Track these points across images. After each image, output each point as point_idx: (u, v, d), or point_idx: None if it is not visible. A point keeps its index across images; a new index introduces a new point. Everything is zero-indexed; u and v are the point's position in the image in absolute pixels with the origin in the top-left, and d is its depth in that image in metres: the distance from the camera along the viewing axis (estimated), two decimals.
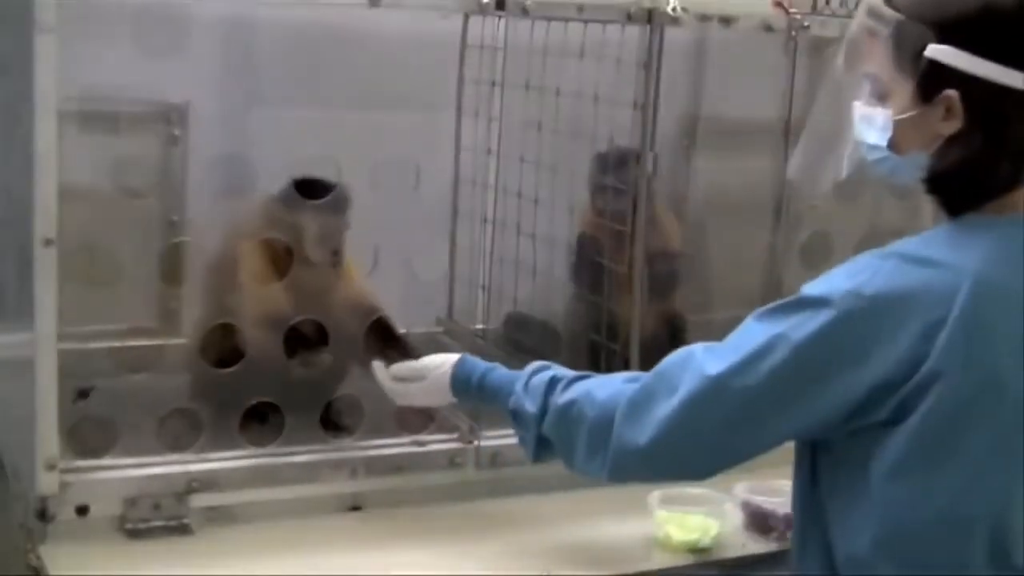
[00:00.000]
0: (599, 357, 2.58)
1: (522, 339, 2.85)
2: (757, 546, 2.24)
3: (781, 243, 2.65)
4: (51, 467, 2.03)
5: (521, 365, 2.60)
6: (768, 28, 2.51)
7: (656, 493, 2.24)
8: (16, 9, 2.03)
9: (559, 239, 2.73)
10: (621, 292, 2.50)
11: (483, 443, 2.35)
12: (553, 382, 1.97)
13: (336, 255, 2.40)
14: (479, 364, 2.15)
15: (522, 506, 2.35)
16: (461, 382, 2.13)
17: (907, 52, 1.62)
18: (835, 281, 1.62)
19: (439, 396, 2.18)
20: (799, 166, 1.93)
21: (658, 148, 2.43)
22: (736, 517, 2.27)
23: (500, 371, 2.12)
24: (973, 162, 1.61)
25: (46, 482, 2.03)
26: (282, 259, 2.35)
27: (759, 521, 2.27)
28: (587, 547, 2.22)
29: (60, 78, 1.93)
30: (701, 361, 1.72)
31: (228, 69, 2.76)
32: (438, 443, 2.34)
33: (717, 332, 2.86)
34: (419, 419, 2.35)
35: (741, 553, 2.22)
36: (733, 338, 1.72)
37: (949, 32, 1.58)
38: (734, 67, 2.93)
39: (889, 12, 1.64)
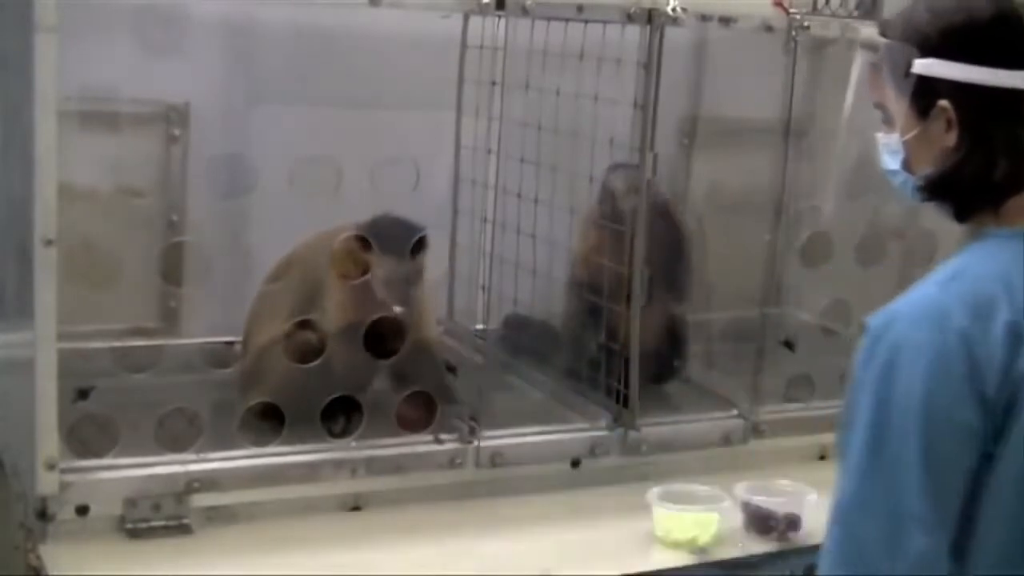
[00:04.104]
0: (599, 357, 2.58)
1: (522, 340, 2.85)
2: (757, 546, 2.25)
3: (781, 243, 2.64)
4: (51, 467, 2.02)
5: (521, 365, 2.61)
6: (768, 28, 2.52)
7: (655, 490, 2.25)
8: (16, 9, 2.03)
9: (559, 239, 2.74)
10: (620, 294, 2.50)
11: (483, 443, 2.35)
12: None
13: (404, 301, 2.37)
14: None
15: (522, 506, 2.35)
16: None
17: (899, 73, 1.68)
18: (903, 328, 1.58)
19: None
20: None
21: (658, 148, 2.43)
22: (736, 516, 2.27)
23: None
24: (966, 164, 1.65)
25: (46, 482, 2.03)
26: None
27: (759, 521, 2.27)
28: (587, 547, 2.22)
29: (60, 78, 1.93)
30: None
31: (228, 69, 2.76)
32: (438, 443, 2.34)
33: (716, 332, 2.89)
34: (419, 419, 2.35)
35: (741, 553, 2.22)
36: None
37: (931, 46, 1.65)
38: (734, 67, 2.94)
39: (879, 40, 1.72)
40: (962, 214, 1.69)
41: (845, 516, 1.58)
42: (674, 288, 2.74)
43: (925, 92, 1.65)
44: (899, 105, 1.69)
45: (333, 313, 2.39)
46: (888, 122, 1.73)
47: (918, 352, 1.56)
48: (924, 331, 1.56)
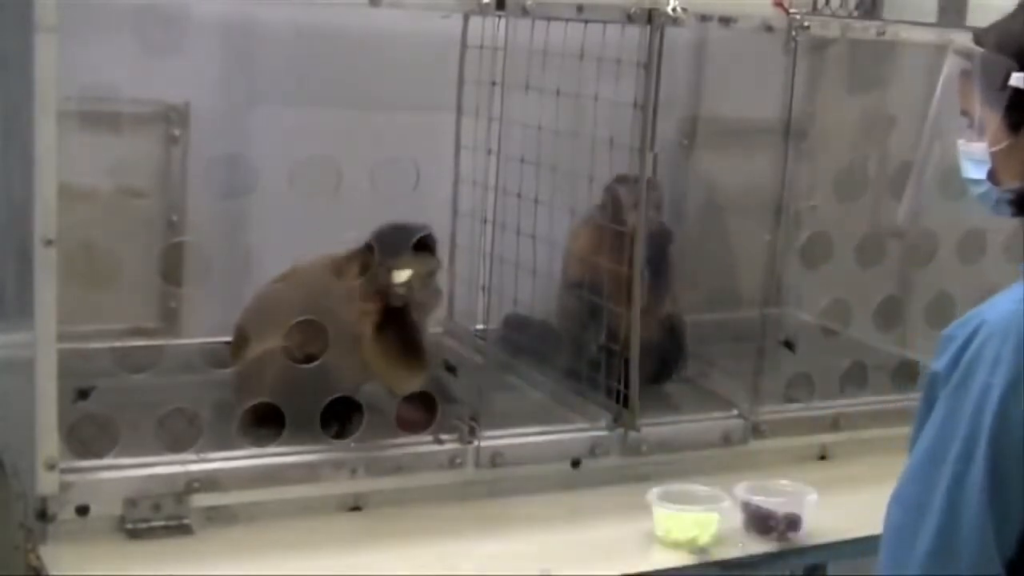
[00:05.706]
0: (599, 357, 2.58)
1: (522, 340, 2.85)
2: (757, 546, 2.25)
3: (781, 243, 2.65)
4: (51, 467, 2.02)
5: (521, 365, 2.60)
6: (768, 28, 2.52)
7: (655, 490, 2.25)
8: (16, 9, 2.03)
9: (559, 239, 2.74)
10: (620, 294, 2.50)
11: (483, 443, 2.35)
12: None
13: (435, 296, 2.44)
14: None
15: (522, 506, 2.35)
16: None
17: (994, 85, 1.65)
18: (985, 339, 1.57)
19: None
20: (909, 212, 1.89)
21: (658, 148, 2.43)
22: (736, 516, 2.27)
23: None
24: None
25: (46, 482, 2.03)
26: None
27: (759, 521, 2.27)
28: (587, 547, 2.22)
29: (60, 78, 1.93)
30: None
31: (228, 69, 2.76)
32: (438, 443, 2.34)
33: (716, 332, 2.90)
34: (419, 419, 2.35)
35: (741, 553, 2.22)
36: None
37: None
38: (734, 67, 2.94)
39: (975, 49, 1.69)
40: None
41: (898, 518, 1.58)
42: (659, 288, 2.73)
43: (1020, 106, 1.62)
44: (990, 116, 1.66)
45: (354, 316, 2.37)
46: (975, 130, 1.69)
47: (995, 367, 1.53)
48: (1003, 346, 1.54)
